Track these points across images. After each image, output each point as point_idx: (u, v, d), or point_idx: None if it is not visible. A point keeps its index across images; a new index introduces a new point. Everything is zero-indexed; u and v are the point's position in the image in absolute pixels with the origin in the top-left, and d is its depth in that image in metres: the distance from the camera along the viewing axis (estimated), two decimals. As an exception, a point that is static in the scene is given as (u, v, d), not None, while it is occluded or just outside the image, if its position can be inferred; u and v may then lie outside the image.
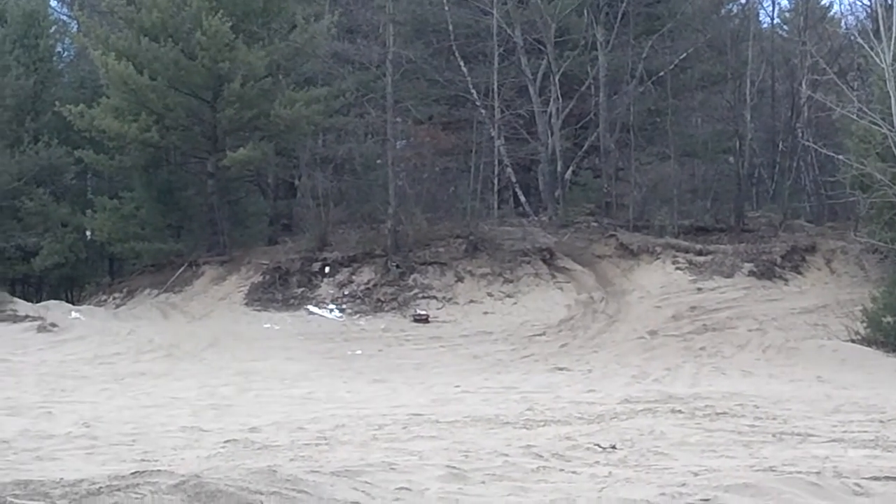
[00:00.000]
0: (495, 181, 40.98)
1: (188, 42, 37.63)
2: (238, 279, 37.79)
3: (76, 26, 47.69)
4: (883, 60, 28.05)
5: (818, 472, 10.13)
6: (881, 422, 14.87)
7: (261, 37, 38.54)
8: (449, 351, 29.51)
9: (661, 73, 41.73)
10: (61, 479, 9.03)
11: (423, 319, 33.83)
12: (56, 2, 54.56)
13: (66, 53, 50.42)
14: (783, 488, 9.26)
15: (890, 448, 12.34)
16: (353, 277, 36.88)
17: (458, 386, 21.29)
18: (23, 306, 35.65)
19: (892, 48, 27.94)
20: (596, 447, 12.19)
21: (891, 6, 32.14)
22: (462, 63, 41.69)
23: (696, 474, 10.18)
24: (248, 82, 37.27)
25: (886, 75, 27.88)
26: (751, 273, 35.00)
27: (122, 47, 38.00)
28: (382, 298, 35.62)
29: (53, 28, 46.71)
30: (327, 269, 37.27)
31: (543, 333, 31.63)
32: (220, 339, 30.97)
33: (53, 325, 32.64)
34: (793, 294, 33.97)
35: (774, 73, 45.53)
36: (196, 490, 8.14)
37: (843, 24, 48.99)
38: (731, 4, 50.41)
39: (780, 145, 43.87)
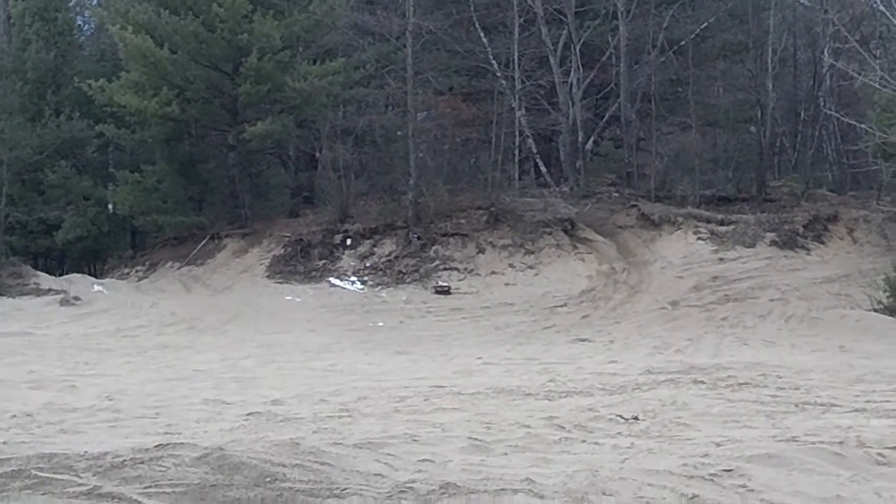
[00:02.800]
0: (516, 152, 40.90)
1: (207, 14, 37.62)
2: (260, 252, 37.86)
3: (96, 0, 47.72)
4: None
5: (841, 442, 10.11)
6: (904, 391, 14.82)
7: (280, 8, 38.49)
8: (470, 322, 29.52)
9: (683, 43, 41.61)
10: (85, 452, 9.06)
11: (445, 291, 33.85)
12: (76, -25, 54.63)
13: (86, 27, 50.53)
14: (806, 458, 9.25)
15: (913, 418, 12.31)
16: (375, 249, 36.92)
17: (479, 357, 21.28)
18: (45, 280, 35.84)
19: (914, 16, 27.78)
20: (618, 418, 12.17)
21: (914, -26, 31.92)
22: (482, 34, 41.60)
23: (718, 445, 10.16)
24: (265, 55, 37.24)
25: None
26: (773, 243, 34.92)
27: (141, 20, 38.03)
28: (404, 270, 35.64)
29: (73, 1, 46.73)
30: (349, 241, 37.32)
31: (565, 304, 31.62)
32: (242, 312, 31.05)
33: (76, 298, 32.78)
34: (815, 263, 33.88)
35: (796, 41, 45.30)
36: (219, 462, 8.17)
37: (865, -9, 48.69)
38: (752, -27, 50.22)
39: (802, 114, 43.70)
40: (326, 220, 38.41)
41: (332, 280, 35.60)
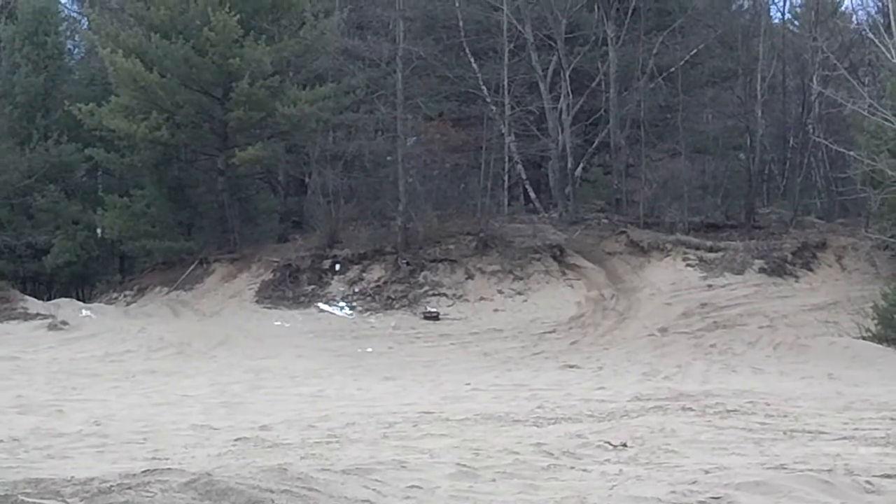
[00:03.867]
0: (505, 178, 40.93)
1: (198, 39, 37.64)
2: (248, 277, 37.83)
3: (86, 23, 47.72)
4: (894, 56, 27.99)
5: (829, 470, 10.12)
6: (892, 419, 14.83)
7: (270, 33, 38.53)
8: (459, 348, 29.52)
9: (672, 69, 41.69)
10: (72, 477, 9.05)
11: (434, 317, 33.84)
12: (67, -1, 54.68)
13: (76, 51, 50.50)
14: (794, 486, 9.25)
15: (901, 445, 12.32)
16: (364, 275, 36.90)
17: (468, 383, 21.28)
18: (34, 304, 35.75)
19: (903, 44, 27.88)
20: (606, 445, 12.18)
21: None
22: (472, 59, 41.68)
23: (706, 472, 10.16)
24: (256, 81, 37.27)
25: (897, 71, 27.83)
26: (761, 270, 34.95)
27: (132, 44, 38.03)
28: (393, 296, 35.63)
29: (63, 25, 46.79)
30: (338, 267, 37.30)
31: (554, 331, 31.63)
32: (230, 337, 31.01)
33: (64, 322, 32.71)
34: (804, 291, 33.91)
35: (785, 68, 45.43)
36: (207, 488, 8.15)
37: (853, 19, 48.93)
38: (741, 0, 50.36)
39: (791, 141, 43.82)
40: (315, 246, 38.38)
41: (321, 305, 35.57)
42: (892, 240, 32.54)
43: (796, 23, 53.26)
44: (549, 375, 23.45)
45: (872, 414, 15.47)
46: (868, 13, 43.10)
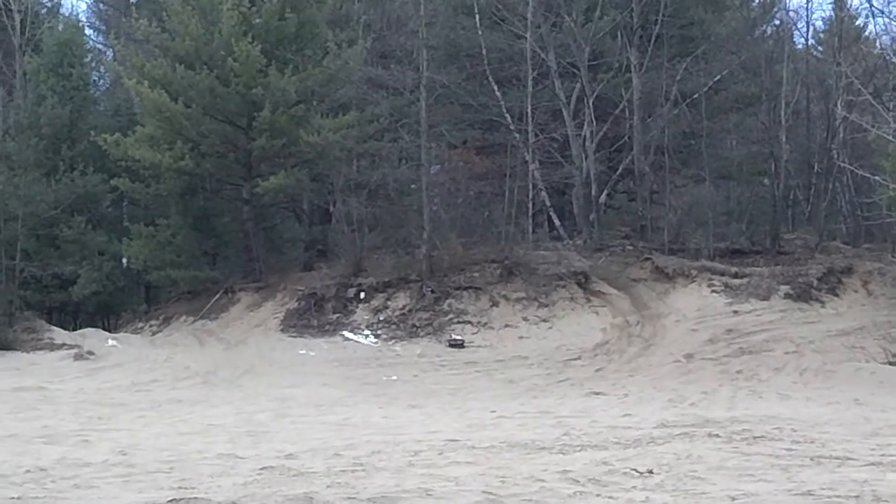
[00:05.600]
0: (530, 205, 40.92)
1: (222, 69, 37.84)
2: (273, 305, 37.87)
3: (111, 54, 47.98)
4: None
5: (857, 496, 10.08)
6: (920, 444, 14.76)
7: (294, 63, 38.67)
8: (484, 376, 29.48)
9: (696, 95, 41.64)
10: (99, 507, 9.06)
11: (459, 344, 33.81)
12: (91, 30, 55.05)
13: (101, 82, 50.76)
14: (822, 513, 9.21)
15: (929, 471, 12.25)
16: (388, 303, 36.90)
17: (493, 411, 21.25)
18: (59, 334, 35.85)
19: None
20: (633, 472, 12.14)
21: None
22: (496, 87, 41.72)
23: (733, 499, 10.13)
24: (278, 109, 37.41)
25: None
26: (787, 295, 34.81)
27: (157, 75, 38.26)
28: (417, 324, 35.61)
29: (89, 57, 47.00)
30: (362, 295, 37.30)
31: (579, 358, 31.57)
32: (255, 366, 31.03)
33: (90, 352, 32.78)
34: (829, 316, 33.78)
35: (809, 93, 45.37)
36: (232, 518, 8.16)
37: (877, 44, 48.76)
38: (765, 26, 50.30)
39: (816, 167, 43.71)
40: (340, 274, 38.41)
41: (346, 334, 35.58)
42: (918, 264, 32.44)
43: (820, 48, 53.28)
44: (575, 402, 23.40)
45: (900, 439, 15.40)
46: (892, 38, 42.95)
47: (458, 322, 35.37)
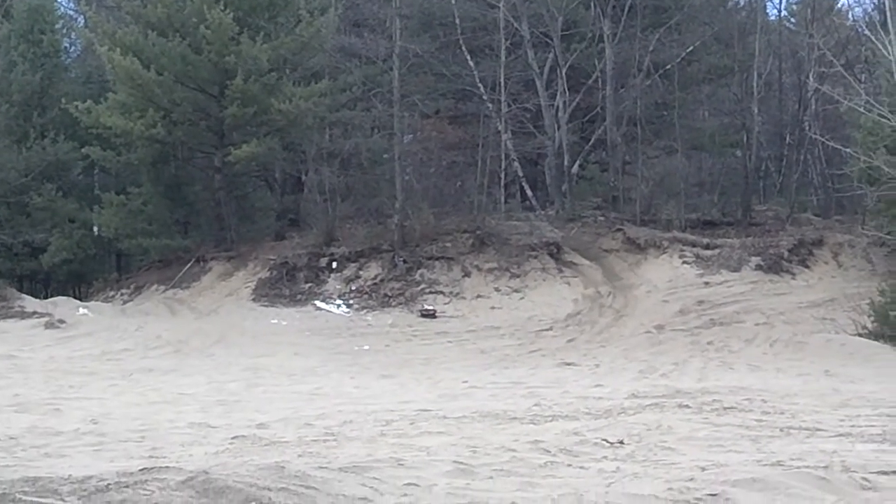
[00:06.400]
0: (502, 175, 40.96)
1: (194, 36, 37.68)
2: (245, 275, 37.83)
3: (83, 21, 47.70)
4: (890, 53, 27.98)
5: (826, 467, 10.11)
6: (889, 416, 14.82)
7: (266, 31, 38.52)
8: (456, 346, 29.50)
9: (668, 66, 41.68)
10: (70, 475, 9.04)
11: (431, 314, 33.83)
12: (62, -3, 54.61)
13: (72, 48, 50.46)
14: (791, 483, 9.26)
15: (898, 442, 12.33)
16: (360, 273, 36.89)
17: (465, 381, 21.28)
18: (30, 302, 35.78)
19: (899, 41, 27.84)
20: (603, 442, 12.17)
21: (898, -2, 32.03)
22: (469, 57, 41.68)
23: (703, 469, 10.17)
24: (250, 77, 37.30)
25: (894, 68, 27.80)
26: (758, 267, 34.96)
27: (128, 42, 38.06)
28: (389, 294, 35.62)
29: (60, 23, 46.73)
30: (334, 265, 37.29)
31: (550, 328, 31.63)
32: (227, 335, 31.01)
33: (61, 321, 32.72)
34: (800, 288, 33.93)
35: (781, 65, 45.47)
36: (204, 486, 8.14)
37: (850, 16, 48.91)
38: (737, -3, 50.38)
39: (788, 138, 43.84)
40: (312, 244, 38.37)
41: (318, 303, 35.57)
42: (888, 236, 32.57)
43: (792, 20, 53.36)
44: (546, 373, 23.45)
45: (869, 411, 15.47)
46: (864, 10, 43.13)
47: (430, 292, 35.39)
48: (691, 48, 42.62)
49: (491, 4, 41.21)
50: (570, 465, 10.74)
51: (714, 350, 27.61)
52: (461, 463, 10.59)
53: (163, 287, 38.58)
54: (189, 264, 39.05)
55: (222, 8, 36.86)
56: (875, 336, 27.19)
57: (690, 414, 14.97)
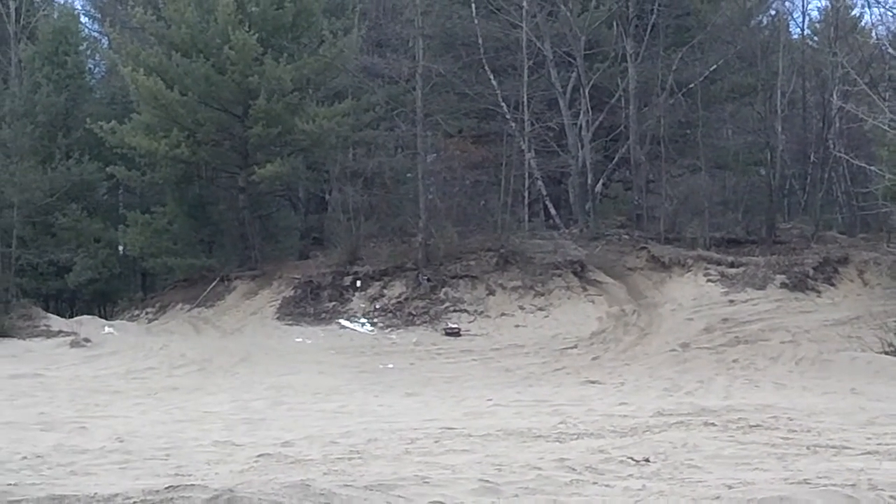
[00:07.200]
0: (526, 194, 40.93)
1: (218, 57, 37.87)
2: (270, 293, 37.89)
3: (107, 42, 47.95)
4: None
5: (853, 485, 10.07)
6: (916, 434, 14.77)
7: (290, 51, 38.66)
8: (481, 364, 29.47)
9: (692, 85, 41.63)
10: (95, 493, 9.06)
11: (455, 333, 33.82)
12: (87, 18, 54.98)
13: (97, 70, 50.74)
14: (818, 501, 9.22)
15: (925, 460, 12.27)
16: (385, 291, 36.92)
17: (490, 399, 21.25)
18: (56, 321, 35.91)
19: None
20: (629, 460, 12.14)
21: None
22: (492, 76, 41.72)
23: (729, 487, 10.13)
24: (273, 97, 37.44)
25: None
26: (783, 285, 34.85)
27: (152, 63, 38.29)
28: (414, 312, 35.63)
29: (84, 45, 47.01)
30: (358, 283, 37.34)
31: (575, 346, 31.58)
32: (252, 354, 31.03)
33: (87, 340, 32.82)
34: (825, 306, 33.80)
35: (805, 84, 45.39)
36: (230, 504, 8.16)
37: (873, 34, 48.74)
38: (760, 16, 50.25)
39: (812, 156, 43.72)
40: (336, 262, 38.43)
41: (342, 322, 35.61)
42: (913, 254, 32.47)
43: (815, 38, 53.24)
44: (571, 391, 23.40)
45: (895, 429, 15.40)
46: (888, 28, 42.95)
47: (455, 311, 35.40)
48: (714, 67, 42.57)
49: (514, 24, 41.24)
50: (595, 483, 10.71)
51: (739, 368, 27.50)
52: (486, 481, 10.57)
53: (187, 306, 38.68)
54: (214, 283, 39.15)
55: (246, 29, 37.04)
56: (901, 354, 27.07)
57: (716, 432, 14.92)
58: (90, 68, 49.04)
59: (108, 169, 40.19)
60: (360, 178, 40.69)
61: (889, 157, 30.79)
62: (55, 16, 45.73)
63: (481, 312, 35.22)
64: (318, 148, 39.76)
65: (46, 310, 38.78)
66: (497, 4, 41.82)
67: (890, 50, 34.09)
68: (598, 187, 41.55)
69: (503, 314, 35.02)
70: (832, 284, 35.28)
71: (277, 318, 36.23)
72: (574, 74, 41.80)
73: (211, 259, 40.68)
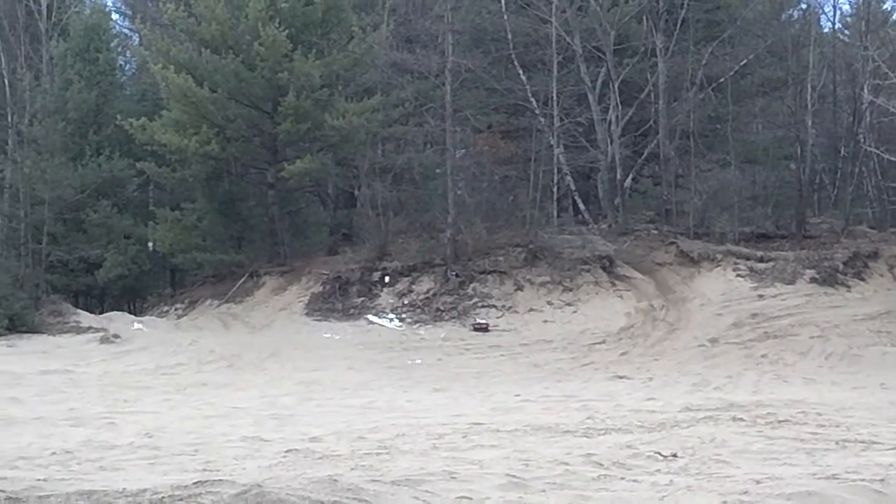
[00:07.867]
0: (554, 189, 40.83)
1: (248, 53, 37.95)
2: (298, 289, 37.93)
3: (138, 39, 48.10)
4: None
5: (882, 480, 10.04)
6: (946, 429, 14.71)
7: (319, 47, 38.70)
8: (509, 360, 29.47)
9: (721, 80, 41.47)
10: (124, 488, 9.10)
11: (483, 328, 33.81)
12: (118, 15, 55.17)
13: (127, 66, 50.90)
14: (846, 496, 9.20)
15: (955, 455, 12.21)
16: (413, 287, 36.93)
17: (518, 395, 21.26)
18: (86, 318, 36.01)
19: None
20: (657, 455, 12.13)
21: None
22: (521, 71, 41.65)
23: (758, 482, 10.11)
24: (303, 93, 37.48)
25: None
26: (812, 280, 34.71)
27: (182, 60, 38.37)
28: (442, 307, 35.63)
29: (115, 41, 47.15)
30: (387, 279, 37.34)
31: (603, 342, 31.53)
32: (280, 349, 31.08)
33: (116, 336, 32.92)
34: (855, 300, 33.65)
35: (836, 78, 45.19)
36: (258, 499, 8.18)
37: (904, 28, 48.57)
38: (791, 10, 50.01)
39: (842, 151, 43.52)
40: (365, 258, 38.45)
41: (371, 317, 35.61)
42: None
43: (846, 32, 52.99)
44: (599, 386, 23.40)
45: (925, 424, 15.35)
46: (919, 22, 42.78)
47: (483, 306, 35.38)
48: (744, 61, 42.38)
49: (543, 19, 41.15)
50: (623, 479, 10.71)
51: (768, 363, 27.45)
52: (514, 476, 10.58)
53: (216, 302, 38.76)
54: (243, 279, 39.21)
55: (276, 25, 37.10)
56: (931, 349, 26.96)
57: (744, 427, 14.89)
58: (121, 65, 49.24)
59: (138, 165, 40.29)
60: (389, 174, 40.71)
61: (920, 151, 30.65)
62: (87, 13, 45.78)
63: (509, 308, 35.19)
64: (348, 144, 39.78)
65: (76, 306, 38.89)
66: (526, 0, 41.78)
67: (921, 44, 33.93)
68: (628, 182, 41.46)
69: (531, 309, 34.98)
70: (862, 279, 35.12)
71: (306, 314, 36.28)
72: (603, 69, 41.73)
73: (240, 255, 40.75)
